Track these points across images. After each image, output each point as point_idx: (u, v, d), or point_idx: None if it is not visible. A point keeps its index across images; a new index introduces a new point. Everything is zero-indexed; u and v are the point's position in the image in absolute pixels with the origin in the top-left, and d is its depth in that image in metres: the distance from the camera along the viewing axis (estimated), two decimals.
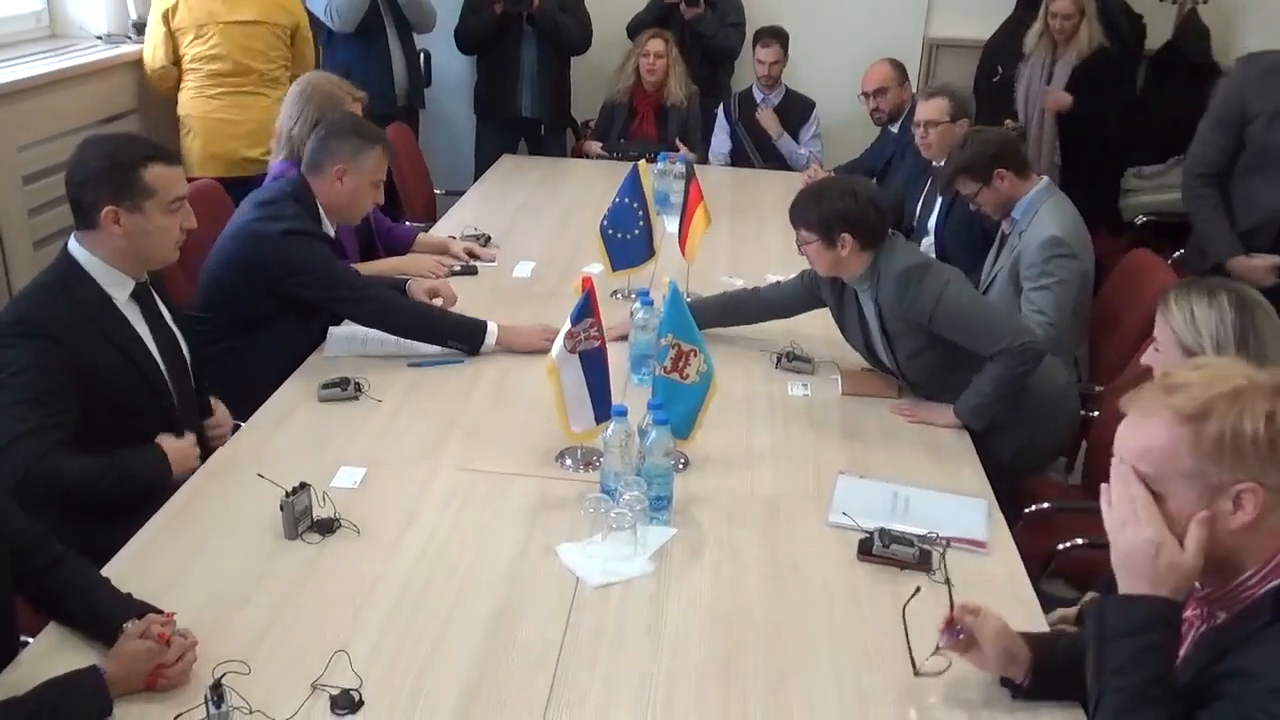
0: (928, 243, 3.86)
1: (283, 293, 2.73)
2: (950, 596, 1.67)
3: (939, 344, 2.55)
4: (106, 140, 2.19)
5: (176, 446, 2.19)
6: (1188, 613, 1.48)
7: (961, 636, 1.65)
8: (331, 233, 2.90)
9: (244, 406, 2.53)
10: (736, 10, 5.36)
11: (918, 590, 1.76)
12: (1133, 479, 1.38)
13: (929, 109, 3.79)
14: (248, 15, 4.08)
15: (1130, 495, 1.37)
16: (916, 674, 1.68)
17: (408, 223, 4.32)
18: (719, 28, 5.28)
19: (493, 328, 2.81)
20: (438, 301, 3.01)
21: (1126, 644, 1.35)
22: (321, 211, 2.86)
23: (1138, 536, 1.36)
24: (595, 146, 5.17)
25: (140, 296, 2.24)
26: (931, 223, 3.84)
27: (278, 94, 4.09)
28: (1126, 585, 1.39)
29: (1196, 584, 1.43)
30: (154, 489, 2.12)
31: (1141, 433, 1.37)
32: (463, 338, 2.79)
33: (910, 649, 1.70)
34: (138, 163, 2.11)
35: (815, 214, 2.59)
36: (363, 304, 2.78)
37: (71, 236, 2.17)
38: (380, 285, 2.89)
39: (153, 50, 4.11)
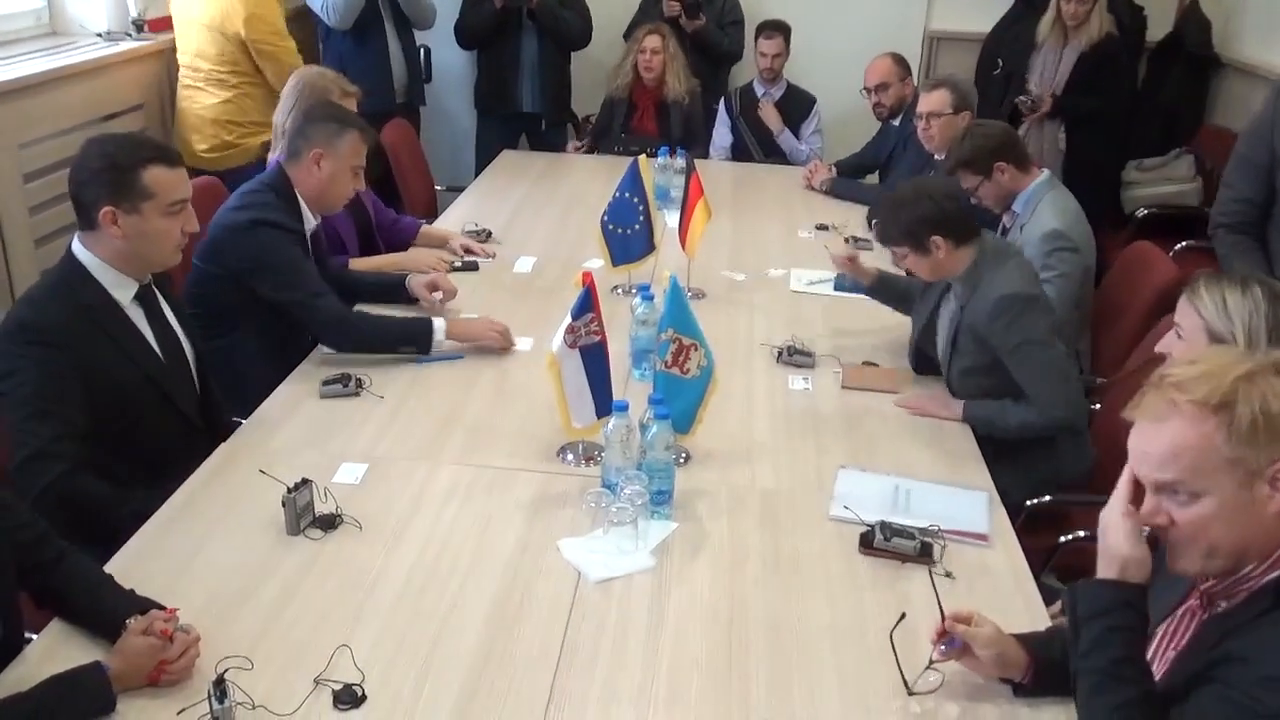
0: None
1: (249, 286, 2.70)
2: (940, 606, 1.67)
3: (997, 373, 2.52)
4: (108, 140, 2.18)
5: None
6: (1190, 602, 1.48)
7: (947, 648, 1.65)
8: (312, 223, 2.87)
9: (233, 401, 2.52)
10: (734, 9, 5.35)
11: (903, 617, 1.75)
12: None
13: (931, 101, 3.78)
14: (202, 17, 4.12)
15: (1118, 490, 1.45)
16: (910, 694, 1.67)
17: (408, 218, 4.32)
18: (721, 36, 5.27)
19: (439, 324, 2.76)
20: (437, 295, 3.00)
21: (1094, 625, 1.40)
22: (302, 202, 2.83)
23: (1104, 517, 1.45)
24: (572, 145, 5.20)
25: (144, 298, 2.24)
26: None
27: (223, 95, 4.14)
28: (1103, 567, 1.45)
29: (1205, 577, 1.43)
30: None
31: (1163, 437, 1.37)
32: (412, 340, 2.74)
33: (901, 670, 1.69)
34: (137, 164, 2.10)
35: (897, 227, 2.57)
36: (316, 313, 2.70)
37: (75, 237, 2.16)
38: (334, 297, 2.78)
39: None
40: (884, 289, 3.00)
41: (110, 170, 2.09)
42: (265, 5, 4.16)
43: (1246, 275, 1.98)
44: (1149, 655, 1.51)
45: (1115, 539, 1.43)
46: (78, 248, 2.15)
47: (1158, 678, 1.47)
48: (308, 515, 2.03)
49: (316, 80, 3.25)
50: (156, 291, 2.29)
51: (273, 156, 3.27)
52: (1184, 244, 4.51)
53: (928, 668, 1.67)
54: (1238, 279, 1.95)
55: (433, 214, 4.42)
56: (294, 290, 2.70)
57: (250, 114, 4.19)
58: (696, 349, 2.22)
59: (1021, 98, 4.77)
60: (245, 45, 4.13)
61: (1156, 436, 1.38)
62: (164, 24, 4.28)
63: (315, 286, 2.74)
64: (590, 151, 5.17)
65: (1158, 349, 2.05)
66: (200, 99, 4.18)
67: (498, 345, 2.81)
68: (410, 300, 3.06)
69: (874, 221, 2.67)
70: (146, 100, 4.24)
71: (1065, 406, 2.48)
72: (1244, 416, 1.31)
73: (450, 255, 3.51)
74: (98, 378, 2.09)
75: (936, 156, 3.79)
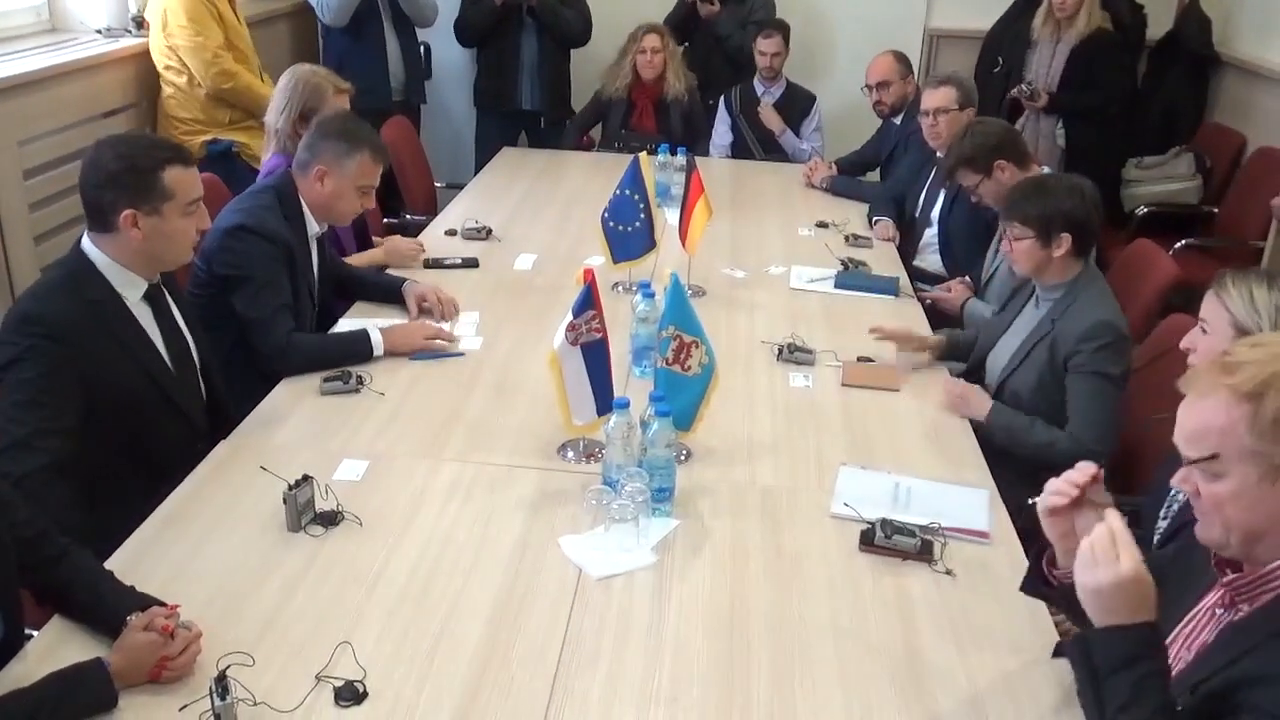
0: (931, 234, 3.86)
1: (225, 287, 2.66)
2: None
3: (1045, 395, 2.51)
4: (122, 141, 2.16)
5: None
6: (1209, 600, 1.48)
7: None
8: (315, 228, 2.85)
9: (231, 399, 2.51)
10: (764, 8, 5.32)
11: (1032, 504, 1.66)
12: (1114, 516, 1.40)
13: (937, 97, 3.78)
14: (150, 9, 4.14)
15: (1111, 532, 1.38)
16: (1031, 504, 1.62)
17: (408, 215, 4.34)
18: (735, 28, 5.25)
19: (376, 338, 2.71)
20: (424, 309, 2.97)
21: (1124, 678, 1.34)
22: (306, 209, 2.81)
23: (1111, 573, 1.35)
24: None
25: (152, 297, 2.22)
26: (935, 214, 3.84)
27: (166, 91, 4.15)
28: (1103, 618, 1.38)
29: (1226, 571, 1.42)
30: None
31: (1196, 414, 1.36)
32: (352, 358, 2.67)
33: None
34: (157, 165, 2.09)
35: (1038, 209, 2.52)
36: (266, 338, 2.63)
37: (83, 235, 2.15)
38: (287, 324, 2.66)
39: None
40: (951, 351, 2.91)
41: (130, 172, 2.07)
42: None
43: (1272, 271, 1.98)
44: None
45: (1124, 570, 1.35)
46: (87, 245, 2.14)
47: (1173, 675, 1.46)
48: (309, 512, 2.03)
49: (308, 77, 3.22)
50: (165, 291, 2.28)
51: (266, 156, 3.26)
52: (1183, 242, 4.52)
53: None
54: (1264, 274, 1.95)
55: (433, 211, 4.42)
56: (253, 308, 2.64)
57: (189, 110, 4.16)
58: (697, 346, 2.22)
59: (1021, 86, 4.82)
60: (166, 39, 4.11)
61: (1192, 412, 1.37)
62: None
63: (272, 311, 2.64)
64: (588, 148, 5.16)
65: (1182, 345, 2.04)
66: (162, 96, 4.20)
67: (437, 348, 2.77)
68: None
69: (1007, 206, 2.61)
70: (146, 97, 4.24)
71: (1098, 443, 2.44)
72: (1269, 411, 1.29)
73: (418, 247, 3.48)
74: (101, 376, 2.08)
75: (939, 154, 3.78)
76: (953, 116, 3.73)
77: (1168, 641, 1.50)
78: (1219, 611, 1.45)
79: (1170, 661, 1.48)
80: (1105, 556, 1.36)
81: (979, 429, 2.53)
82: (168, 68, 4.12)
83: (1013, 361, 2.63)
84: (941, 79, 3.85)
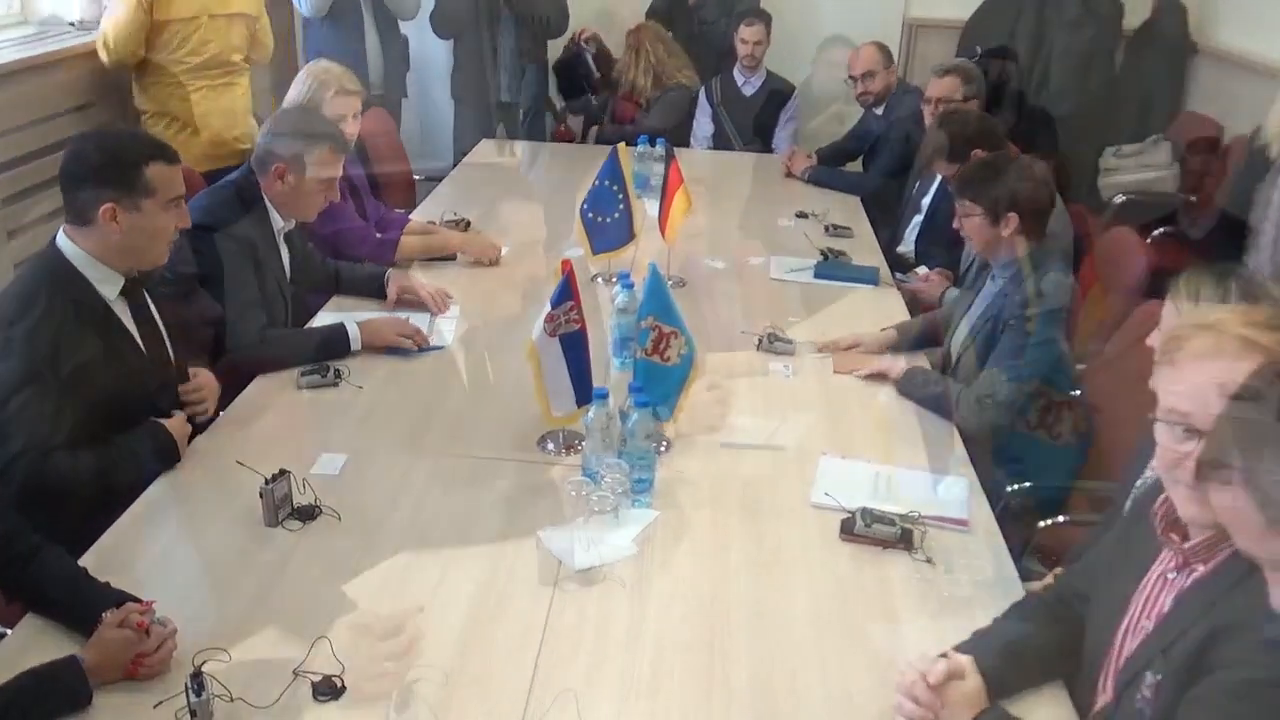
0: (918, 220, 3.86)
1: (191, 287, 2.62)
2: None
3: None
4: (107, 135, 2.16)
5: (172, 426, 2.19)
6: (1158, 567, 1.49)
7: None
8: (279, 225, 2.80)
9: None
10: None
11: None
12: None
13: (942, 86, 3.79)
14: (232, 8, 4.03)
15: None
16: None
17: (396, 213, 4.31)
18: (721, 14, 5.25)
19: (354, 331, 2.70)
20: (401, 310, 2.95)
21: None
22: (270, 207, 2.77)
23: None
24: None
25: (129, 294, 2.20)
26: (926, 201, 3.82)
27: (244, 81, 4.13)
28: None
29: (1174, 538, 1.44)
30: (163, 470, 2.14)
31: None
32: (333, 351, 2.66)
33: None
34: (140, 160, 2.08)
35: (986, 189, 2.57)
36: (241, 337, 2.59)
37: (60, 231, 2.12)
38: (254, 321, 2.64)
39: (125, 38, 3.87)
40: (922, 339, 2.91)
41: (113, 166, 2.06)
42: None
43: (1226, 270, 1.93)
44: (1121, 628, 1.52)
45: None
46: (63, 241, 2.11)
47: (1133, 650, 1.48)
48: (286, 506, 2.01)
49: (321, 75, 3.18)
50: (142, 288, 2.25)
51: None
52: (1161, 230, 4.54)
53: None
54: (1215, 274, 1.91)
55: (411, 204, 4.39)
56: (220, 308, 2.62)
57: (248, 99, 4.18)
58: (677, 336, 2.21)
59: None
60: (256, 24, 4.10)
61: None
62: None
63: (240, 309, 2.61)
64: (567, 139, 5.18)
65: (1148, 343, 2.03)
66: (231, 94, 4.10)
67: (408, 346, 2.74)
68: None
69: (957, 178, 2.69)
70: (119, 91, 4.19)
71: (1003, 379, 2.46)
72: None
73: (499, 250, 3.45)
74: (83, 374, 2.05)
75: None
76: (955, 107, 3.72)
77: (1124, 619, 1.52)
78: (1171, 576, 1.47)
79: (1130, 633, 1.51)
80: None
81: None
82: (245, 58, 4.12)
83: (968, 340, 2.65)
84: (948, 68, 3.85)
